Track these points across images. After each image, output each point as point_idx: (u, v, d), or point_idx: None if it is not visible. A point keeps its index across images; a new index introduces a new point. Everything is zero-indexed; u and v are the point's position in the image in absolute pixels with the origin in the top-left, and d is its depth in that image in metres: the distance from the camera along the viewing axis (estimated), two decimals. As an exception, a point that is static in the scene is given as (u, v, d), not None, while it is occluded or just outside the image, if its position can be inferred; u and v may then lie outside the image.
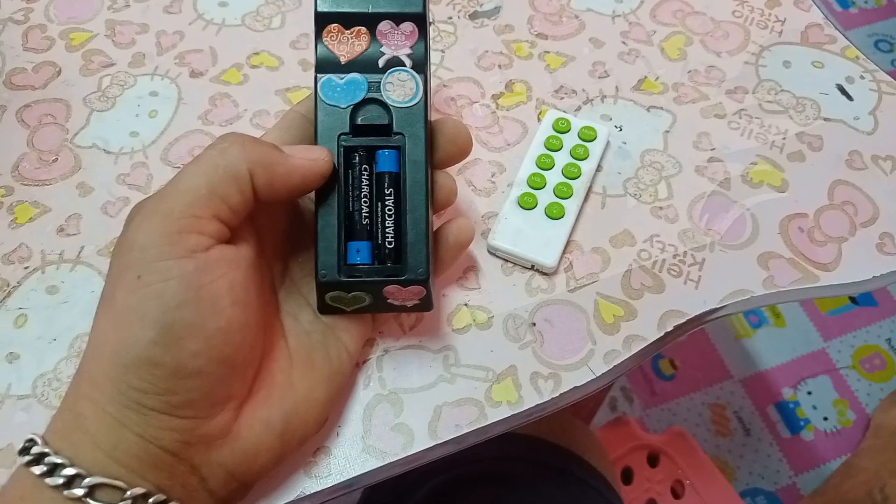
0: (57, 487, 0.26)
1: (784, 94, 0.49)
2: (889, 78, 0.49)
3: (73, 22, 0.52)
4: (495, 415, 0.37)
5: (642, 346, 0.39)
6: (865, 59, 0.50)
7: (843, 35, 0.52)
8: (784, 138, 0.47)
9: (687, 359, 1.25)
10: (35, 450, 0.27)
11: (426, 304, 0.35)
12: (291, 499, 0.34)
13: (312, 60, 0.50)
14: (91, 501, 0.27)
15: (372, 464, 0.35)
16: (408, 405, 0.37)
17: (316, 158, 0.32)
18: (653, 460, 0.92)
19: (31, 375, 0.38)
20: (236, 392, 0.30)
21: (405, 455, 0.36)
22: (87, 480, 0.27)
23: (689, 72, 0.50)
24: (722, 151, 0.46)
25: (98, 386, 0.28)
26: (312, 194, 0.34)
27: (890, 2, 1.70)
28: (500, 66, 0.50)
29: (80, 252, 0.42)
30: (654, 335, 0.39)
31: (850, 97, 0.48)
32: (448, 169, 0.37)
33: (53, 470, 0.27)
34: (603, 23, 0.52)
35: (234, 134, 0.31)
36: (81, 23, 0.52)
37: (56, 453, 0.27)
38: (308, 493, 0.34)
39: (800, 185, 0.45)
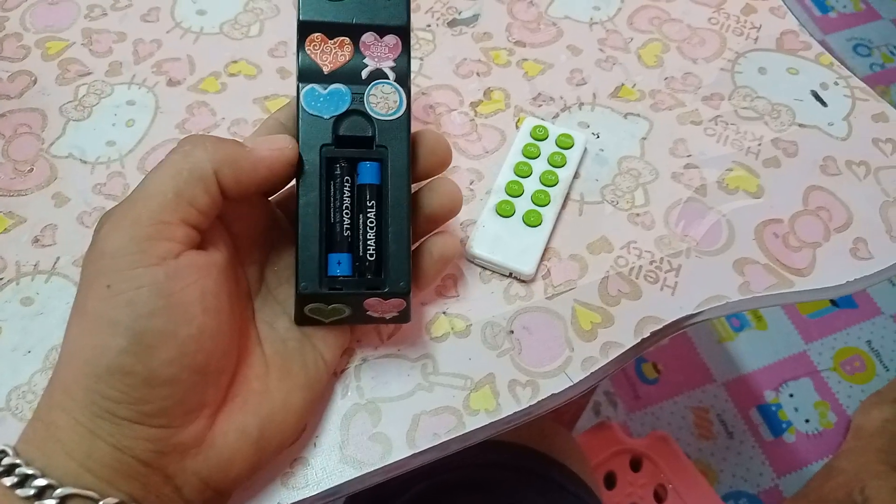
0: (28, 498, 0.26)
1: (759, 100, 0.49)
2: (862, 84, 0.50)
3: (50, 30, 0.51)
4: (473, 423, 0.37)
5: (619, 353, 0.39)
6: (839, 65, 0.51)
7: (818, 41, 0.52)
8: (759, 144, 0.47)
9: (670, 363, 1.25)
10: (6, 461, 0.27)
11: (404, 316, 0.35)
12: (269, 510, 0.34)
13: (291, 68, 0.50)
14: None
15: (350, 474, 0.35)
16: (386, 414, 0.37)
17: (281, 148, 0.32)
18: (635, 465, 0.92)
19: (6, 388, 0.37)
20: (210, 400, 0.30)
21: (383, 464, 0.36)
22: (58, 491, 0.26)
23: (666, 79, 0.50)
24: (698, 158, 0.46)
25: (70, 395, 0.28)
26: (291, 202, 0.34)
27: (868, 6, 1.72)
28: (478, 74, 0.50)
29: (55, 263, 0.41)
30: (630, 341, 0.39)
31: (824, 103, 0.49)
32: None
33: (24, 481, 0.27)
34: (580, 30, 0.53)
35: (196, 136, 0.31)
36: (58, 31, 0.51)
37: (27, 464, 0.27)
38: (285, 504, 0.34)
39: (775, 190, 0.45)
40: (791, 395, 1.23)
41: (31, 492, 0.26)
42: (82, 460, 0.27)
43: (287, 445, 0.34)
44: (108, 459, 0.27)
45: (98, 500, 0.27)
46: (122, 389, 0.27)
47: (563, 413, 0.94)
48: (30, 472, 0.27)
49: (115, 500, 0.27)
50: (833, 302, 1.32)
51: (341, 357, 0.38)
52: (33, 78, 0.49)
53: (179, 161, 0.30)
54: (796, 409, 1.22)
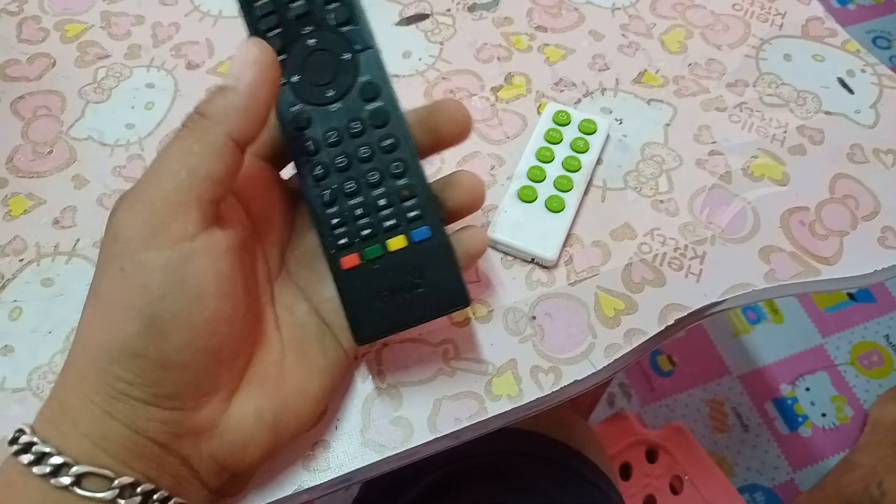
0: (44, 476, 0.26)
1: (785, 87, 0.48)
2: (890, 72, 0.49)
3: (68, 13, 0.51)
4: (495, 408, 0.36)
5: (643, 340, 0.38)
6: (866, 52, 0.50)
7: (844, 28, 0.51)
8: (785, 132, 0.46)
9: (685, 355, 1.25)
10: (23, 439, 0.27)
11: None
12: (290, 492, 0.34)
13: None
14: (78, 490, 0.26)
15: (371, 457, 0.35)
16: (407, 399, 0.37)
17: (261, 63, 0.29)
18: (651, 456, 0.92)
19: (26, 368, 0.37)
20: (224, 383, 0.30)
21: (404, 449, 0.35)
22: (74, 469, 0.26)
23: (690, 65, 0.49)
24: (722, 145, 0.46)
25: (85, 377, 0.27)
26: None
27: (888, -2, 1.70)
28: (499, 59, 0.50)
29: (75, 244, 0.41)
30: (654, 329, 0.39)
31: (851, 91, 0.48)
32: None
33: (41, 459, 0.27)
34: (602, 15, 0.52)
35: (203, 103, 0.29)
36: (76, 14, 0.51)
37: (44, 442, 0.27)
38: (306, 487, 0.34)
39: (801, 178, 0.44)
40: (807, 389, 1.22)
41: (47, 469, 0.26)
42: (97, 440, 0.27)
43: (304, 431, 0.33)
44: (123, 440, 0.27)
45: (113, 479, 0.27)
46: (136, 372, 0.27)
47: (579, 403, 0.93)
48: (46, 450, 0.27)
49: (130, 479, 0.27)
50: (850, 296, 1.31)
51: None
52: (52, 60, 0.49)
53: (188, 135, 0.29)
54: (813, 403, 1.21)
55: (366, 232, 0.32)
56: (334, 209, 0.32)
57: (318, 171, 0.32)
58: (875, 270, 0.41)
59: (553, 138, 0.44)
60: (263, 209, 0.34)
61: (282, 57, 0.32)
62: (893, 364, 1.25)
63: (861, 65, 0.49)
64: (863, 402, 1.21)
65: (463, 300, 0.33)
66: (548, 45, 0.50)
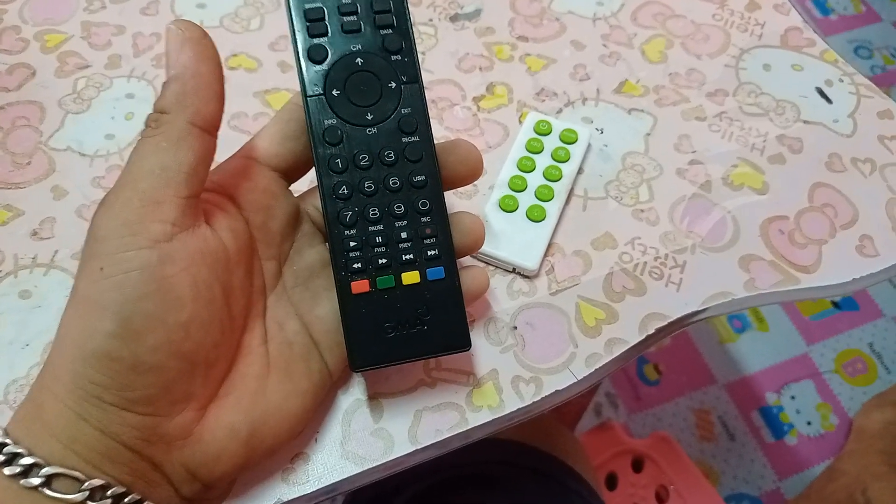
0: (14, 476, 0.26)
1: (764, 96, 0.49)
2: (867, 81, 0.50)
3: (49, 23, 0.51)
4: (476, 419, 0.36)
5: (624, 349, 0.38)
6: (844, 62, 0.51)
7: (822, 38, 0.52)
8: (764, 141, 0.47)
9: (671, 364, 1.25)
10: None
11: None
12: (268, 505, 0.34)
13: (291, 62, 0.50)
14: (48, 491, 0.26)
15: (351, 470, 0.35)
16: (388, 410, 0.36)
17: (192, 39, 0.30)
18: (637, 465, 0.92)
19: (3, 381, 0.37)
20: (197, 392, 0.29)
21: (385, 461, 0.35)
22: (44, 470, 0.26)
23: (670, 74, 0.50)
24: (703, 154, 0.46)
25: (59, 379, 0.27)
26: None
27: (869, 8, 1.72)
28: (480, 69, 0.50)
29: (53, 256, 0.41)
30: (635, 338, 0.39)
31: (829, 100, 0.49)
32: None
33: (12, 459, 0.26)
34: (584, 25, 0.52)
35: (160, 103, 0.30)
36: (57, 24, 0.51)
37: (16, 443, 0.27)
38: (285, 500, 0.34)
39: (780, 187, 0.45)
40: (793, 397, 1.22)
41: (18, 470, 0.26)
42: (68, 443, 0.27)
43: (280, 448, 0.33)
44: (95, 444, 0.27)
45: (84, 481, 0.27)
46: (109, 374, 0.27)
47: (565, 412, 0.93)
48: (17, 450, 0.26)
49: (101, 482, 0.27)
50: (835, 304, 1.32)
51: None
52: (32, 70, 0.48)
53: (154, 133, 0.29)
54: (798, 411, 1.21)
55: (382, 261, 0.32)
56: (353, 231, 0.32)
57: (344, 190, 0.32)
58: (854, 279, 0.41)
59: (534, 148, 0.44)
60: (265, 221, 0.34)
61: (323, 67, 0.32)
62: (878, 372, 1.25)
63: (839, 74, 0.50)
64: (847, 409, 1.21)
65: (465, 343, 0.33)
66: (529, 54, 0.51)
